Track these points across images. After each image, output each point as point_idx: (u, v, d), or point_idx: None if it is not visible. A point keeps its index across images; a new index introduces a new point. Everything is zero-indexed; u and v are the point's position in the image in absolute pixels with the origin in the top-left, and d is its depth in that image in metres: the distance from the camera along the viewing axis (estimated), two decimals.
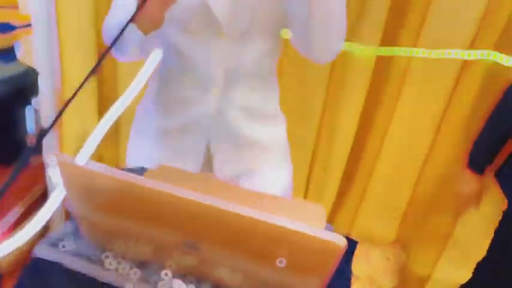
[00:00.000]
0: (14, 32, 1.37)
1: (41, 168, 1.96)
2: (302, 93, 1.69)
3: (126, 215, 0.63)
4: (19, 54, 1.42)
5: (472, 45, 1.54)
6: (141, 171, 0.90)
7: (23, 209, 1.87)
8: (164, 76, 0.99)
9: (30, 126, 1.00)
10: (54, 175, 0.61)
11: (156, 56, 0.84)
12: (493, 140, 1.37)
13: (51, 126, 0.61)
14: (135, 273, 0.67)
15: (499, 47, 1.53)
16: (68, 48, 1.68)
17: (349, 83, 1.67)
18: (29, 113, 0.77)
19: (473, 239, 1.75)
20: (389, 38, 1.58)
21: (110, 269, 0.67)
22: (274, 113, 1.07)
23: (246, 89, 0.96)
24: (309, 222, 0.83)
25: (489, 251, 1.43)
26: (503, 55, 1.54)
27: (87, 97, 1.88)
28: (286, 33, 0.96)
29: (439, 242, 1.85)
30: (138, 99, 1.07)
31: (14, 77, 1.36)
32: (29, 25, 1.08)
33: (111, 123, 0.70)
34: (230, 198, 0.83)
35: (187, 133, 1.00)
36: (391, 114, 1.70)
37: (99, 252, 0.69)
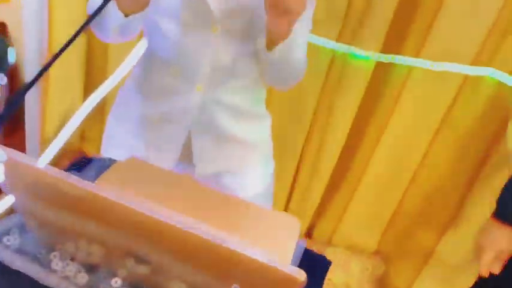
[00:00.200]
0: None
1: (21, 140, 1.91)
2: (294, 95, 1.64)
3: (77, 216, 0.58)
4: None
5: (476, 62, 1.48)
6: (109, 162, 0.85)
7: None
8: (149, 62, 0.94)
9: None
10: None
11: (142, 46, 0.80)
12: None
13: (35, 80, 0.57)
14: (83, 277, 0.62)
15: (504, 66, 1.47)
16: (56, 6, 1.61)
17: (345, 88, 1.61)
18: None
19: (457, 260, 1.71)
20: (391, 45, 1.52)
21: (56, 269, 0.62)
22: (259, 113, 1.03)
23: (232, 88, 0.92)
24: (280, 236, 0.78)
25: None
26: (506, 74, 1.49)
27: (74, 77, 1.83)
28: None
29: (420, 258, 1.81)
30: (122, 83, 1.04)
31: None
32: None
33: (93, 105, 0.68)
34: (197, 204, 0.78)
35: (166, 123, 0.96)
36: (384, 124, 1.65)
37: (47, 252, 0.63)
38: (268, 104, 1.04)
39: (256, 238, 0.73)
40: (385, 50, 1.52)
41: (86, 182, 0.51)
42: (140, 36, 0.88)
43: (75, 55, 1.78)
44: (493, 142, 1.57)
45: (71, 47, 1.76)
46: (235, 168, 1.03)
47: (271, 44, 0.82)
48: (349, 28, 1.50)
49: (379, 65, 1.56)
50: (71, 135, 0.66)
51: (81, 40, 1.76)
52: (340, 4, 1.47)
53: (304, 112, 1.69)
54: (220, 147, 0.98)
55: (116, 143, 1.04)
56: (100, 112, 1.89)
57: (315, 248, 1.89)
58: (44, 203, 0.59)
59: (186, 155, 0.99)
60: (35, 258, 0.62)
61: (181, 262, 0.54)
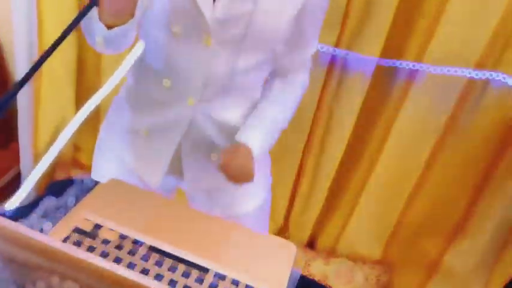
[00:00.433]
0: None
1: (15, 153, 1.87)
2: None
3: (45, 260, 0.52)
4: None
5: (481, 65, 1.42)
6: (90, 183, 0.80)
7: None
8: (142, 73, 0.91)
9: None
10: None
11: (139, 49, 0.76)
12: None
13: (27, 78, 0.52)
14: None
15: (511, 68, 1.41)
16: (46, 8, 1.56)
17: (344, 94, 1.55)
18: None
19: (467, 269, 1.65)
20: (391, 50, 1.45)
21: None
22: None
23: (225, 103, 0.88)
24: (273, 264, 0.73)
25: None
26: None
27: (66, 87, 1.78)
28: None
29: (426, 267, 1.75)
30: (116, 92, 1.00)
31: None
32: None
33: (86, 115, 0.65)
34: (184, 231, 0.73)
35: (155, 136, 0.92)
36: (387, 131, 1.59)
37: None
38: None
39: (249, 266, 0.68)
40: (385, 54, 1.46)
41: (43, 236, 0.45)
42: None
43: (65, 63, 1.73)
44: (502, 146, 1.50)
45: (60, 57, 1.71)
46: (227, 184, 0.98)
47: None
48: (347, 33, 1.44)
49: (380, 70, 1.50)
50: (65, 146, 0.64)
51: (71, 49, 1.71)
52: (338, 10, 1.41)
53: (303, 120, 1.63)
54: (211, 165, 0.93)
55: (107, 155, 1.01)
56: (94, 122, 1.85)
57: (318, 259, 1.84)
58: (9, 245, 0.53)
59: (177, 168, 0.95)
60: None
61: None
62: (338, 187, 1.77)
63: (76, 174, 1.92)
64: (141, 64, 0.89)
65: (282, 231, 1.92)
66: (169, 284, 0.61)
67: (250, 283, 0.63)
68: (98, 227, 0.68)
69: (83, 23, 0.75)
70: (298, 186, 1.78)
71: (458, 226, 1.64)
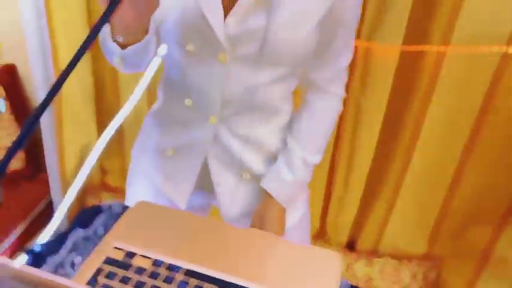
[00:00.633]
0: None
1: (45, 183, 1.88)
2: None
3: None
4: None
5: None
6: (118, 209, 0.76)
7: (26, 225, 1.79)
8: (166, 91, 0.88)
9: None
10: None
11: (155, 65, 0.69)
12: None
13: (47, 102, 0.48)
14: None
15: None
16: (59, 34, 1.56)
17: (370, 87, 1.49)
18: None
19: None
20: (415, 35, 1.38)
21: None
22: (284, 146, 0.90)
23: (249, 120, 0.83)
24: (320, 276, 0.67)
25: None
26: None
27: (86, 111, 1.78)
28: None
29: (477, 257, 1.65)
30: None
31: None
32: None
33: (109, 138, 0.63)
34: (222, 249, 0.68)
35: (181, 155, 0.89)
36: (419, 120, 1.51)
37: None
38: None
39: (296, 282, 0.63)
40: (409, 41, 1.39)
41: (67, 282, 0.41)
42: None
43: (82, 87, 1.73)
44: None
45: (77, 82, 1.69)
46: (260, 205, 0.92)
47: None
48: (366, 25, 1.38)
49: (405, 58, 1.42)
50: (92, 170, 0.60)
51: (86, 72, 1.70)
52: None
53: None
54: (242, 185, 0.89)
55: (138, 177, 0.99)
56: (118, 142, 1.84)
57: (360, 261, 1.77)
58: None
59: (208, 186, 0.90)
60: None
61: None
62: (373, 184, 1.69)
63: (106, 197, 1.91)
64: (166, 83, 0.87)
65: (320, 235, 1.85)
66: None
67: None
68: (130, 255, 0.64)
69: (100, 43, 0.73)
70: (332, 187, 1.72)
71: (508, 212, 1.54)
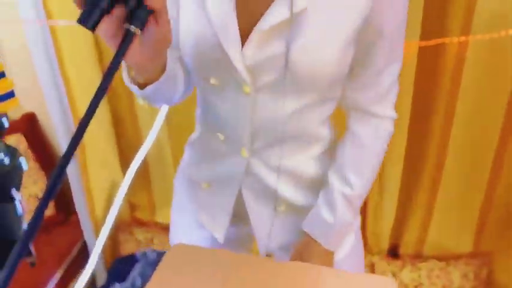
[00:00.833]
0: None
1: (77, 225, 1.87)
2: None
3: None
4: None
5: None
6: (152, 256, 0.73)
7: (63, 272, 1.79)
8: (201, 120, 0.85)
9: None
10: None
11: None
12: None
13: (70, 153, 0.45)
14: None
15: None
16: (72, 81, 1.57)
17: None
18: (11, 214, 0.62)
19: None
20: (432, 29, 1.33)
21: None
22: (320, 173, 0.82)
23: (284, 151, 0.76)
24: None
25: None
26: None
27: (108, 149, 1.77)
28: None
29: None
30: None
31: None
32: (11, 93, 0.91)
33: (134, 174, 0.61)
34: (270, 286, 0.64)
35: (215, 188, 0.85)
36: (449, 113, 1.44)
37: None
38: None
39: None
40: (427, 35, 1.33)
41: None
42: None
43: (103, 127, 1.73)
44: None
45: (96, 122, 1.68)
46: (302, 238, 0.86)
47: None
48: None
49: (425, 53, 1.37)
50: (121, 208, 0.58)
51: (105, 111, 1.71)
52: None
53: None
54: (280, 217, 0.84)
55: (181, 208, 0.95)
56: (144, 176, 1.83)
57: (406, 267, 1.69)
58: None
59: (244, 215, 0.86)
60: None
61: None
62: (408, 186, 1.63)
63: (138, 233, 1.89)
64: (199, 114, 0.84)
65: None
66: None
67: None
68: None
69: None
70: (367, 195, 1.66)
71: None
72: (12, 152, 0.71)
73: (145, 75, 0.63)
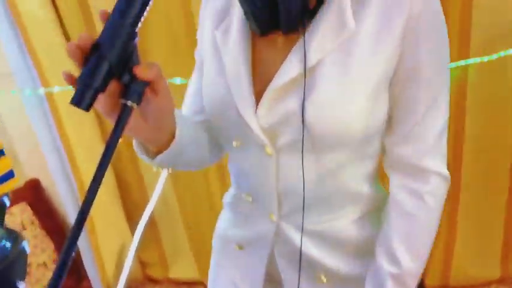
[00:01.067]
0: None
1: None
2: None
3: None
4: None
5: None
6: None
7: None
8: (233, 179, 0.80)
9: None
10: None
11: None
12: None
13: (81, 224, 0.43)
14: None
15: None
16: (74, 148, 1.56)
17: None
18: None
19: None
20: None
21: None
22: (364, 237, 0.72)
23: (317, 214, 0.69)
24: None
25: None
26: None
27: (114, 213, 1.74)
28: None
29: None
30: None
31: None
32: (10, 173, 0.88)
33: (141, 234, 0.57)
34: None
35: (247, 251, 0.79)
36: (459, 133, 1.42)
37: None
38: None
39: None
40: None
41: None
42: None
43: (109, 191, 1.71)
44: None
45: (102, 188, 1.64)
46: None
47: None
48: None
49: None
50: (133, 267, 0.53)
51: (109, 175, 1.69)
52: None
53: None
54: (316, 285, 0.75)
55: (217, 267, 0.89)
56: (152, 233, 1.78)
57: None
58: None
59: (278, 282, 0.79)
60: None
61: None
62: None
63: None
64: (232, 175, 0.79)
65: None
66: None
67: None
68: None
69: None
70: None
71: None
72: (14, 237, 0.68)
73: (154, 144, 0.60)
